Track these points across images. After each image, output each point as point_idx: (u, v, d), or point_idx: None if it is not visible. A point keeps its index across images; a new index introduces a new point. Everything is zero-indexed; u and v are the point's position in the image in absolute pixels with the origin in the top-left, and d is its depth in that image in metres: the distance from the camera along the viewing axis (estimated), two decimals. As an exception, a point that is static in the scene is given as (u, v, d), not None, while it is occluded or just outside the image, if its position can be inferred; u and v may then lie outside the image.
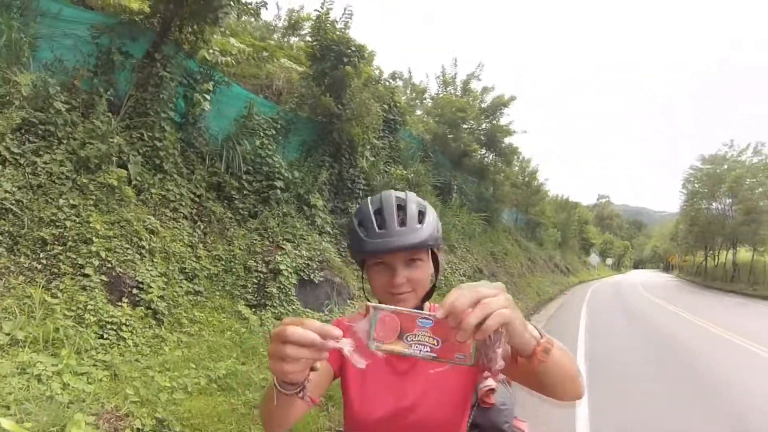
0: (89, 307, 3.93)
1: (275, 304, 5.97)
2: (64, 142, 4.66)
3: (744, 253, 30.10)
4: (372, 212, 1.13)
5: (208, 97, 6.05)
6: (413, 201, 1.14)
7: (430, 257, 1.16)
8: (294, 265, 6.54)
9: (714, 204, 33.54)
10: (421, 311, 0.76)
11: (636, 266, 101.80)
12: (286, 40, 11.84)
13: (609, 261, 63.39)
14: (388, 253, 1.09)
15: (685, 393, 6.24)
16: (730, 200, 30.89)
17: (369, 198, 1.19)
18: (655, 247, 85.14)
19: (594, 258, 45.82)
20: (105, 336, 3.90)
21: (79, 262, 4.16)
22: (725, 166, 30.90)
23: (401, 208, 1.12)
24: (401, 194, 1.16)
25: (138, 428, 3.04)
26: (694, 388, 6.46)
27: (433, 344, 0.74)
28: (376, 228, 1.10)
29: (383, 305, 0.76)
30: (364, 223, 1.13)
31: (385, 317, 0.75)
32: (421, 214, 1.12)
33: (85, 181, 4.61)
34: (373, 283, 1.14)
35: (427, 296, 1.17)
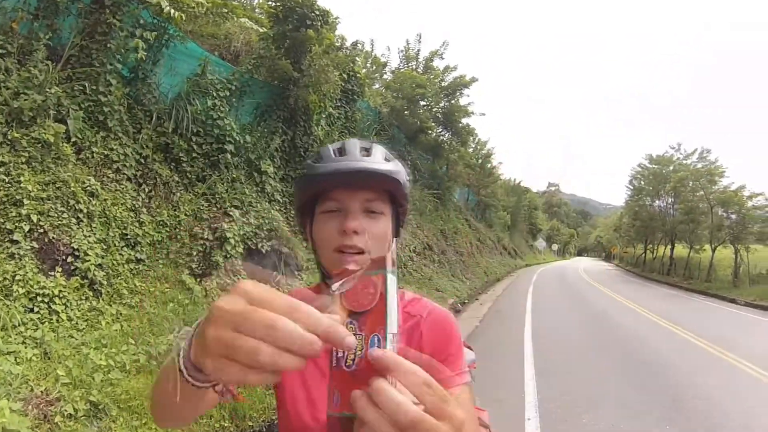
0: (18, 277, 3.64)
1: (220, 274, 5.80)
2: (-5, 91, 4.21)
3: (681, 250, 32.19)
4: (331, 149, 0.94)
5: (143, 44, 5.52)
6: (379, 147, 0.96)
7: (390, 216, 0.95)
8: (241, 233, 6.38)
9: (657, 201, 35.56)
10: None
11: (579, 253, 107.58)
12: (249, 1, 11.26)
13: (555, 247, 66.29)
14: (346, 183, 0.89)
15: (620, 366, 7.05)
16: (672, 200, 32.79)
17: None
18: (598, 237, 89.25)
19: (541, 242, 48.11)
20: (35, 310, 3.63)
21: (7, 227, 3.82)
22: (671, 168, 32.66)
23: (366, 149, 0.93)
24: (366, 141, 0.97)
25: (70, 414, 2.85)
26: (629, 363, 7.24)
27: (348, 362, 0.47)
28: (335, 156, 0.91)
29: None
30: (320, 158, 0.93)
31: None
32: (388, 160, 0.94)
33: (17, 135, 4.18)
34: (320, 236, 0.89)
35: None
